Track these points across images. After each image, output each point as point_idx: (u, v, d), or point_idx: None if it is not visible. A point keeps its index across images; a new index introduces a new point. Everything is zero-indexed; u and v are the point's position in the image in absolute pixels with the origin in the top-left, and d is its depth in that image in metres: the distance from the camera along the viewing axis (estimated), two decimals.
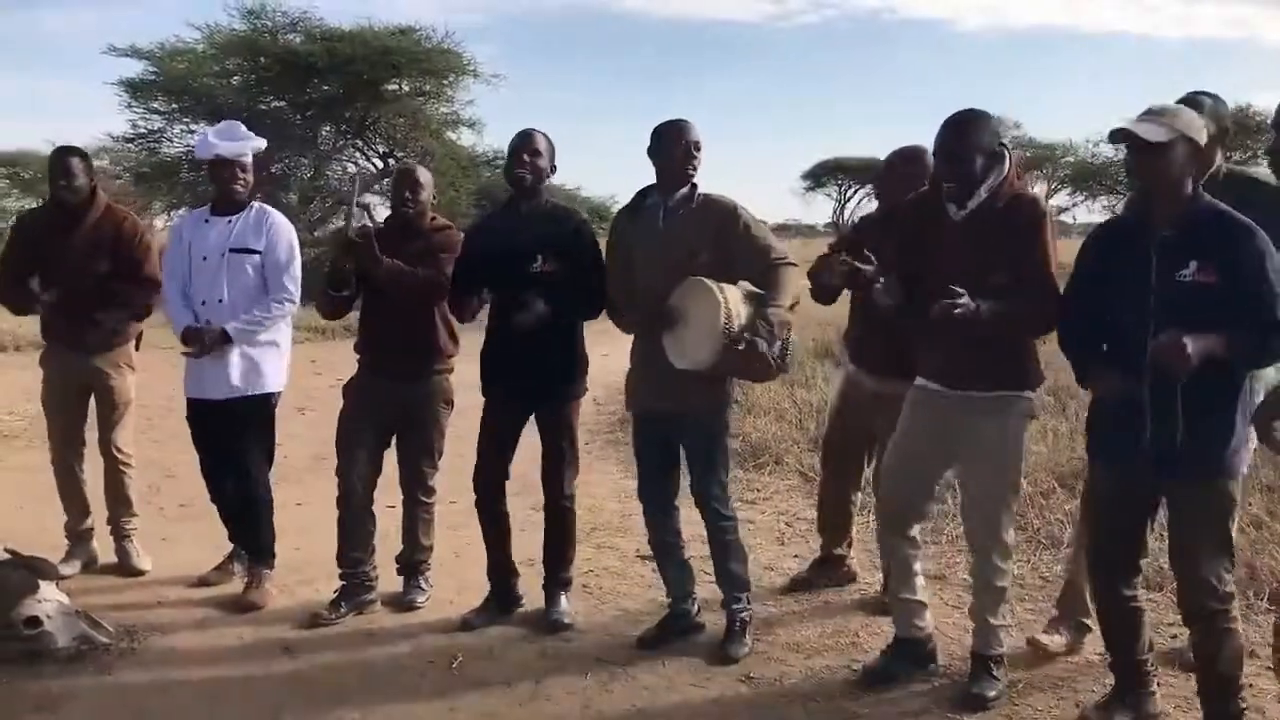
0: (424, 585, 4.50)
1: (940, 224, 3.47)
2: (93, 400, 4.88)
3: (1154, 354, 2.85)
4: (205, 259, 4.47)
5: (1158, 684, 3.39)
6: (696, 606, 4.17)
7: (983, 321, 3.24)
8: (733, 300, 3.56)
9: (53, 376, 4.87)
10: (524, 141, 4.09)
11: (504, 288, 4.05)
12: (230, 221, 4.50)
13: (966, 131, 3.38)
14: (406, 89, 22.22)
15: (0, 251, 5.03)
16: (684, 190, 3.85)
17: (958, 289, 3.20)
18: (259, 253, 4.45)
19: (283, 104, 21.65)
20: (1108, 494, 3.27)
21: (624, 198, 4.14)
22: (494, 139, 23.53)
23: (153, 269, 4.79)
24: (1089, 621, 3.92)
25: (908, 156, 4.33)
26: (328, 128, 22.20)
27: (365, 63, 20.39)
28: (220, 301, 4.43)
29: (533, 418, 4.22)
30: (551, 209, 4.20)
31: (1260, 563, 4.50)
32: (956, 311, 3.20)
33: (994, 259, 3.33)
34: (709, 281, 3.59)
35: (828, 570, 4.72)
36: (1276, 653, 3.05)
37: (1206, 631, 3.11)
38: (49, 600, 3.87)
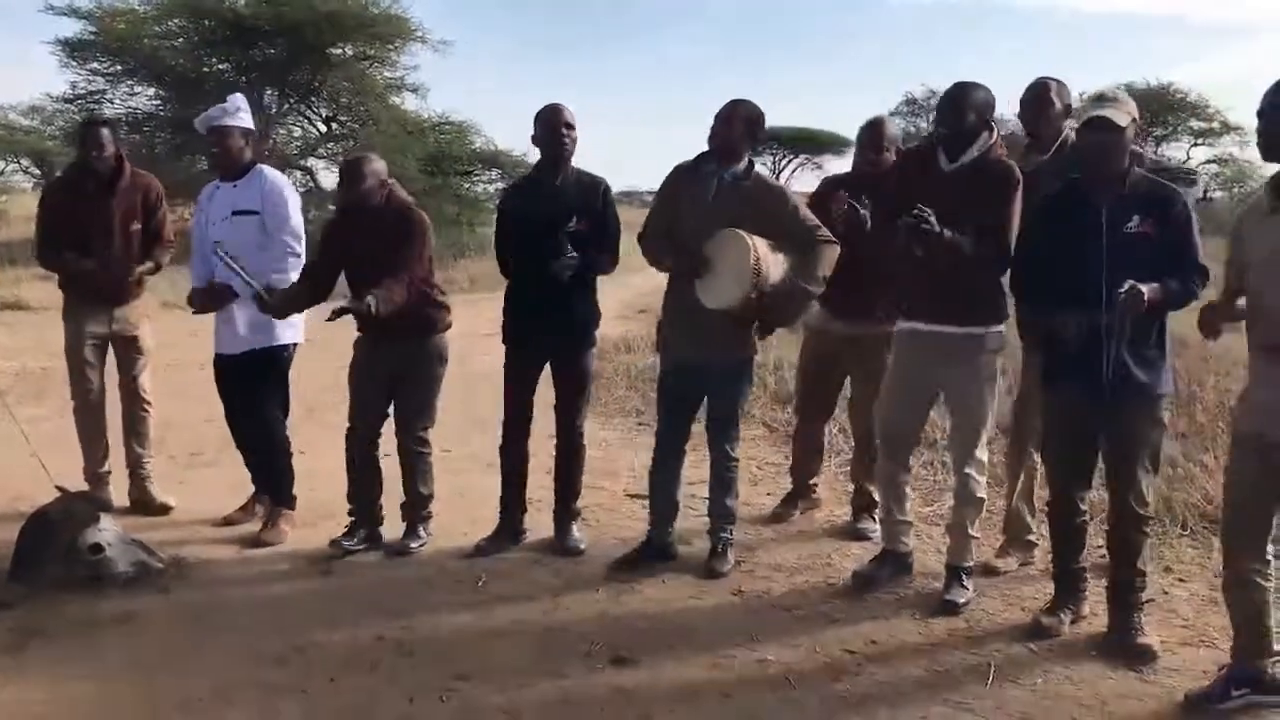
0: (422, 534, 4.77)
1: (930, 173, 4.09)
2: (111, 350, 5.23)
3: (1122, 301, 3.45)
4: (215, 224, 4.87)
5: (1087, 591, 3.98)
6: (673, 538, 4.65)
7: (944, 244, 3.83)
8: (761, 246, 4.03)
9: (77, 328, 5.15)
10: (559, 115, 4.51)
11: (538, 246, 4.43)
12: (235, 186, 4.90)
13: (966, 92, 4.04)
14: (351, 53, 22.23)
15: (38, 219, 5.26)
16: (741, 166, 4.28)
17: (925, 210, 3.79)
18: (258, 213, 4.83)
19: (226, 66, 21.53)
20: (1066, 416, 3.81)
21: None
22: (438, 104, 23.53)
23: (169, 229, 5.26)
24: (1032, 538, 4.57)
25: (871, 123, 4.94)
26: (272, 91, 22.10)
27: (311, 26, 20.31)
28: None
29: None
30: (579, 175, 4.61)
31: (1176, 497, 5.17)
32: (923, 226, 3.79)
33: (970, 209, 3.92)
34: (741, 231, 4.04)
35: (798, 501, 5.29)
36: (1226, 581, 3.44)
37: (1130, 529, 3.72)
38: (108, 529, 4.25)
